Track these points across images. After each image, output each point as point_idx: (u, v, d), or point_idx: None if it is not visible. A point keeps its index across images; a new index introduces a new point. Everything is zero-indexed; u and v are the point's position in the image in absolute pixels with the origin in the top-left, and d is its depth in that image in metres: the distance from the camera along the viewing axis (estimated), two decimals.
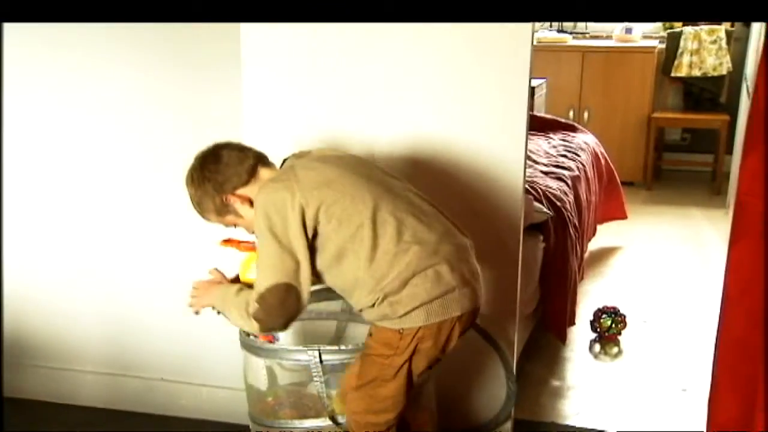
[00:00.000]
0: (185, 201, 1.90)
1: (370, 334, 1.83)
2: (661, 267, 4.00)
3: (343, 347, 1.95)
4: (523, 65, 2.07)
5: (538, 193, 3.03)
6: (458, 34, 2.07)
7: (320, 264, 1.79)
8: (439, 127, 2.16)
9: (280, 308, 1.74)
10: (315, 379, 1.90)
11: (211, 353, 2.55)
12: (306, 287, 1.75)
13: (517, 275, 2.25)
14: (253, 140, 2.11)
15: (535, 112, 4.25)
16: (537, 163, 3.48)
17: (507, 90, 2.10)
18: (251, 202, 1.82)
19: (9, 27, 2.41)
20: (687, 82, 5.35)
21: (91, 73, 2.44)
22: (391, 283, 1.72)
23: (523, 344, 2.71)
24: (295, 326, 2.29)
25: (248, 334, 1.99)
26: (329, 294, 2.21)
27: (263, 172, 1.85)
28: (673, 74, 5.26)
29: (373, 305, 1.76)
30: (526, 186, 2.31)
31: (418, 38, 2.11)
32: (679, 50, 5.17)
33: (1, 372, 1.49)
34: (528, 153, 2.38)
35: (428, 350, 1.77)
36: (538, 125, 4.04)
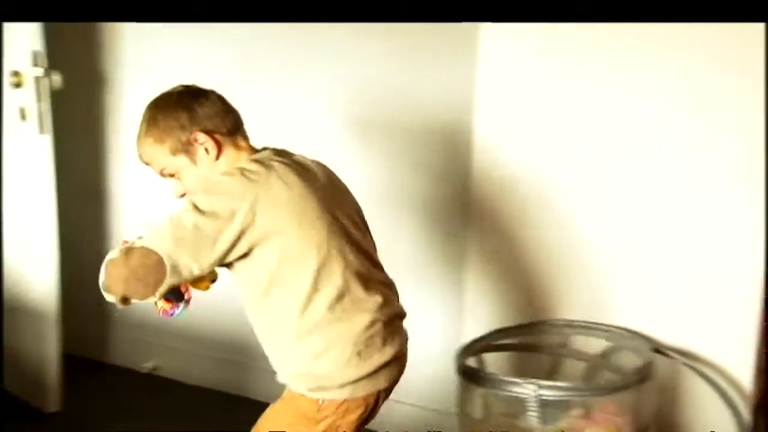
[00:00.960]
0: None
1: (282, 398, 1.62)
2: None
3: (561, 384, 1.88)
4: None
5: None
6: (710, 53, 1.95)
7: (250, 286, 1.57)
8: (684, 151, 2.02)
9: (135, 278, 1.42)
10: (530, 413, 1.86)
11: (420, 373, 2.57)
12: (166, 286, 1.44)
13: (756, 319, 2.05)
14: (486, 141, 2.09)
15: None
16: None
17: None
18: (218, 155, 1.59)
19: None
20: None
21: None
22: (317, 358, 1.53)
23: (759, 397, 2.47)
24: (509, 357, 2.27)
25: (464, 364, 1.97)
26: (545, 327, 2.17)
27: (241, 140, 1.63)
28: None
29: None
30: None
31: (666, 53, 1.99)
32: None
33: (1, 365, 1.53)
34: None
35: (352, 423, 1.57)
36: None
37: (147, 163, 1.63)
